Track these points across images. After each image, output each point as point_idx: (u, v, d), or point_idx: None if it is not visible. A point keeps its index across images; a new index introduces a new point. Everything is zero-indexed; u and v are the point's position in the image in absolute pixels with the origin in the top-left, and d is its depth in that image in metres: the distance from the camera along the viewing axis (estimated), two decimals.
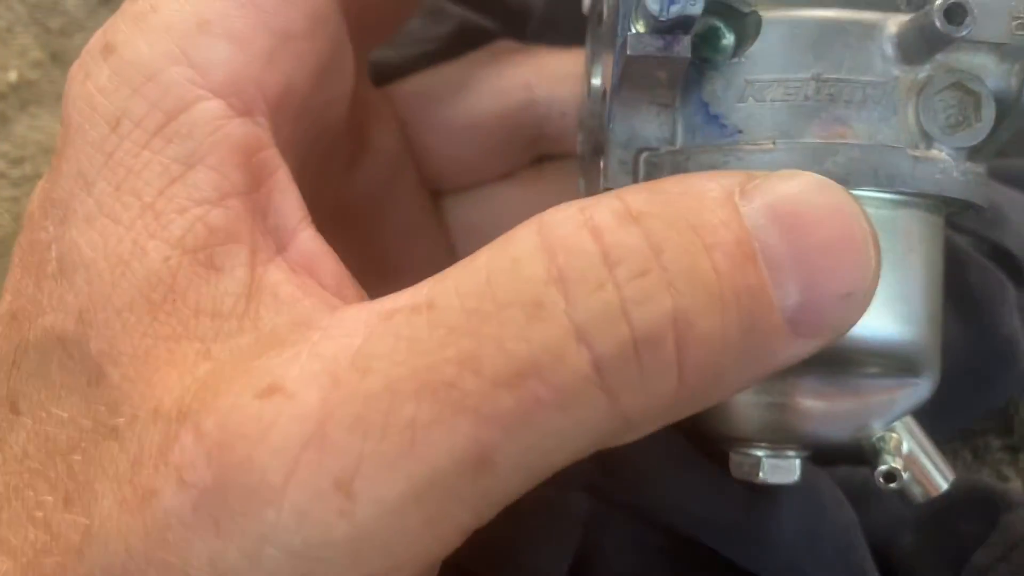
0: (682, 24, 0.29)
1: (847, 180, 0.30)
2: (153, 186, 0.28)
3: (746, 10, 0.32)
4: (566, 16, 0.58)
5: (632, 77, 0.31)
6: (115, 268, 0.28)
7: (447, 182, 0.45)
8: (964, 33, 0.29)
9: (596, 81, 0.38)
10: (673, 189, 0.27)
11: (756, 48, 0.31)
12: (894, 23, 0.31)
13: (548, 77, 0.44)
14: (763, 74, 0.31)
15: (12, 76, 0.76)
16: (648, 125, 0.32)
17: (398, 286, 0.28)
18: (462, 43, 0.50)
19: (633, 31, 0.30)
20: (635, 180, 0.32)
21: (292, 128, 0.32)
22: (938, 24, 0.29)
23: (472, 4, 0.57)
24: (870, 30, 0.31)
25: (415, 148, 0.43)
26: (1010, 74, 0.32)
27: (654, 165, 0.32)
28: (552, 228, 0.26)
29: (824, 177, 0.28)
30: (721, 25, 0.32)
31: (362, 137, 0.40)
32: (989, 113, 0.31)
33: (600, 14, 0.36)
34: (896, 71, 0.31)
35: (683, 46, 0.30)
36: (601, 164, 0.33)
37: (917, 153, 0.31)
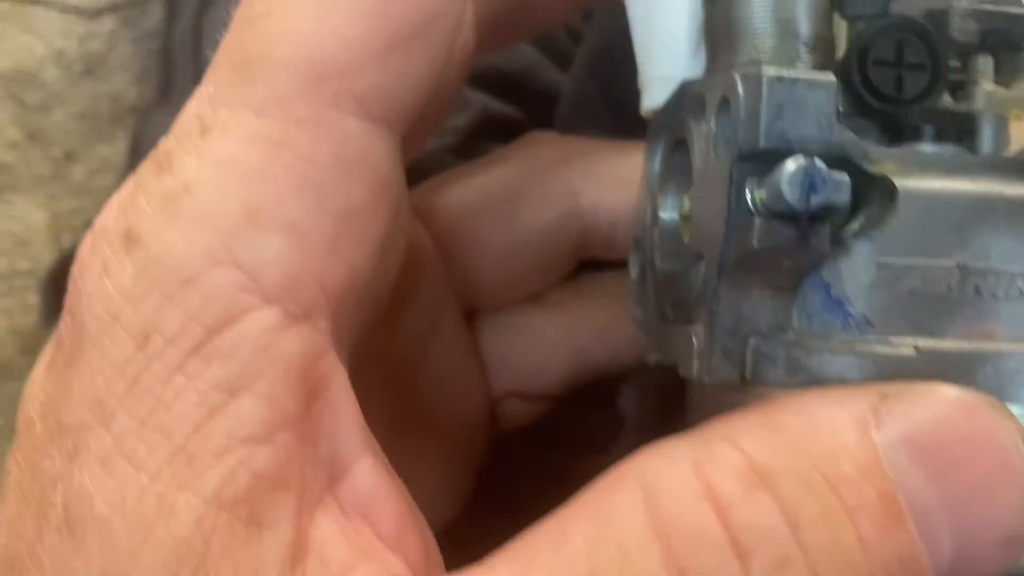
0: (824, 214, 0.25)
1: (1000, 394, 0.26)
2: (187, 421, 0.23)
3: (874, 171, 0.27)
4: (598, 99, 0.54)
5: (749, 264, 0.26)
6: (135, 532, 0.23)
7: (478, 304, 0.40)
8: None
9: (666, 215, 0.33)
10: (797, 426, 0.24)
11: (891, 224, 0.27)
12: None
13: (596, 180, 0.39)
14: (898, 257, 0.27)
15: None
16: (760, 309, 0.27)
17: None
18: (484, 135, 0.46)
19: (752, 209, 0.25)
20: (742, 371, 0.27)
21: (351, 315, 0.27)
22: None
23: (494, 89, 0.52)
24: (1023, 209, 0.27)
25: (450, 271, 0.39)
26: None
27: (765, 357, 0.27)
28: (663, 499, 0.23)
29: (971, 394, 0.24)
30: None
31: (407, 282, 0.35)
32: None
33: (678, 135, 0.32)
34: None
35: (822, 239, 0.25)
36: (695, 342, 0.28)
37: None
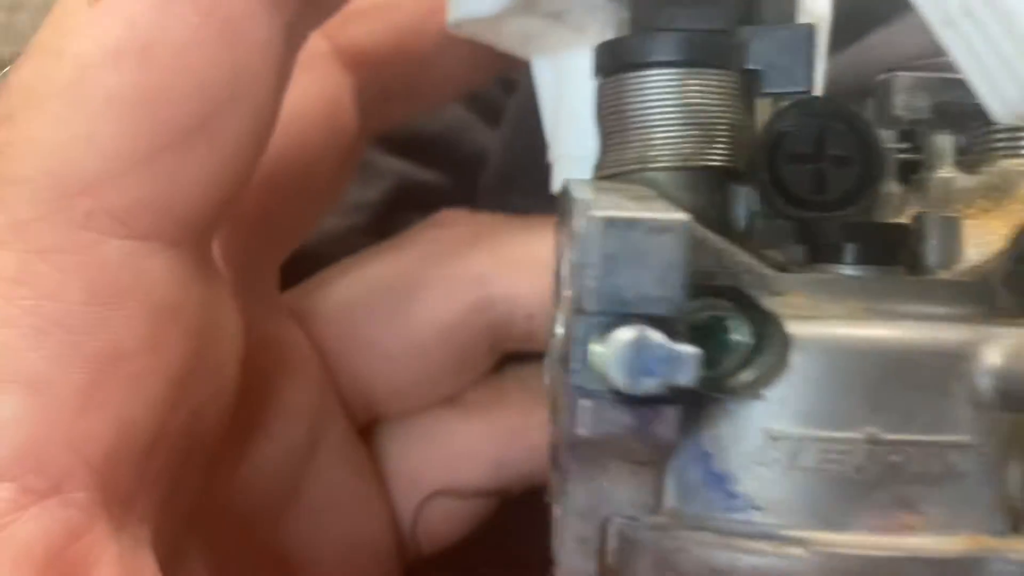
0: (668, 398, 0.20)
1: None
2: None
3: (768, 310, 0.22)
4: (529, 161, 0.49)
5: (585, 456, 0.21)
6: None
7: (379, 411, 0.35)
8: None
9: (559, 330, 0.27)
10: None
11: (783, 383, 0.21)
12: (995, 350, 0.21)
13: (509, 265, 0.34)
14: (791, 425, 0.21)
15: None
16: (621, 486, 0.22)
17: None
18: (402, 207, 0.41)
19: (582, 383, 0.20)
20: (602, 560, 0.22)
21: (139, 472, 0.23)
22: None
23: (413, 154, 0.47)
24: (955, 364, 0.21)
25: (338, 379, 0.34)
26: None
27: (631, 544, 0.22)
28: None
29: None
30: (732, 318, 0.22)
31: (264, 406, 0.30)
32: None
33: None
34: (992, 420, 0.21)
35: (667, 425, 0.20)
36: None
37: (1016, 555, 0.21)
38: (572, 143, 0.31)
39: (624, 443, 0.21)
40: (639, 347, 0.19)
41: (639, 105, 0.25)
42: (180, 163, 0.22)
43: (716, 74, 0.25)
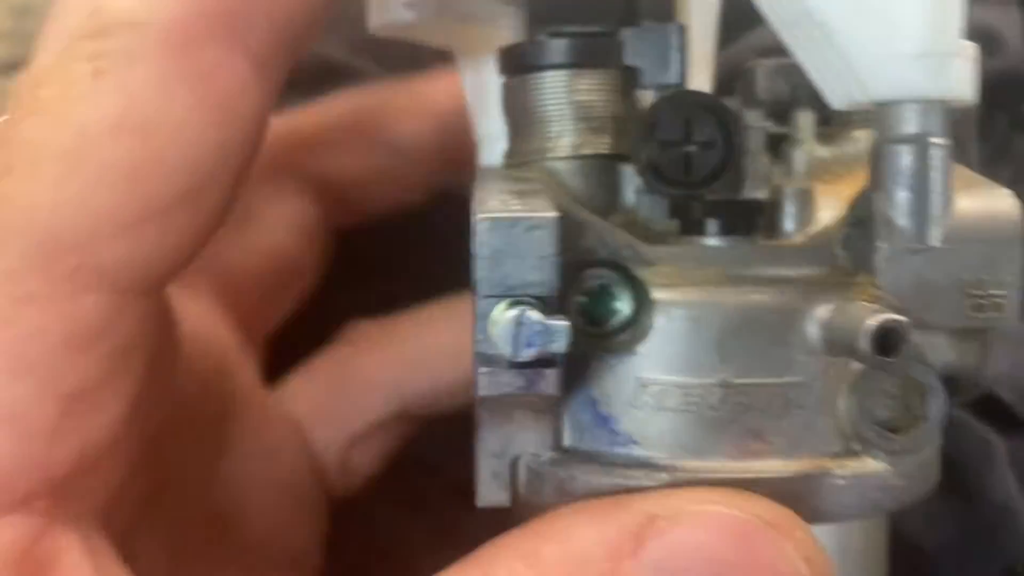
0: (547, 361, 0.24)
1: None
2: None
3: (639, 278, 0.26)
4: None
5: (492, 407, 0.25)
6: None
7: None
8: (898, 363, 0.24)
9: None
10: (552, 556, 0.24)
11: (651, 340, 0.26)
12: (824, 308, 0.26)
13: (422, 365, 0.39)
14: (658, 374, 0.26)
15: None
16: (526, 431, 0.27)
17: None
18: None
19: (483, 350, 0.25)
20: (514, 492, 0.27)
21: (100, 483, 0.26)
22: (867, 353, 0.24)
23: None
24: (790, 319, 0.26)
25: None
26: (966, 354, 0.27)
27: (537, 475, 0.27)
28: None
29: (748, 514, 0.24)
30: (615, 287, 0.27)
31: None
32: (939, 409, 0.26)
33: None
34: (822, 363, 0.26)
35: (549, 383, 0.25)
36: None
37: (846, 471, 0.26)
38: (490, 124, 0.34)
39: (518, 399, 0.25)
40: (519, 324, 0.23)
41: (535, 102, 0.29)
42: (165, 229, 0.25)
43: (600, 73, 0.29)
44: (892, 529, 0.30)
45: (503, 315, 0.23)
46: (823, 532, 0.25)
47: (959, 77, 0.25)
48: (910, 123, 0.25)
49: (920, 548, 0.40)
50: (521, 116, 0.30)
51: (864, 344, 0.23)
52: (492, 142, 0.34)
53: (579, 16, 0.29)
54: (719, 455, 0.26)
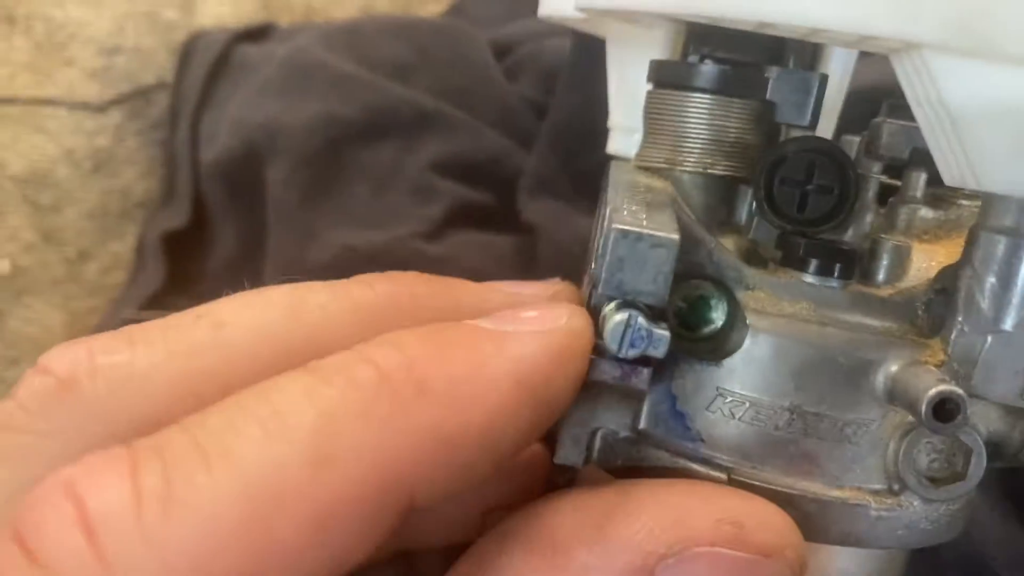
0: (644, 361, 0.28)
1: (803, 532, 0.28)
2: None
3: (737, 299, 0.30)
4: (561, 172, 0.59)
5: (588, 386, 0.29)
6: None
7: None
8: (952, 431, 0.27)
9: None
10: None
11: (737, 357, 0.29)
12: (896, 362, 0.29)
13: None
14: (737, 388, 0.29)
15: (4, 266, 0.75)
16: (610, 411, 0.30)
17: None
18: (456, 222, 0.48)
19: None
20: (588, 457, 0.30)
21: None
22: (925, 417, 0.27)
23: (464, 178, 0.54)
24: (864, 365, 0.29)
25: None
26: (1014, 428, 0.30)
27: (612, 449, 0.30)
28: None
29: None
30: (714, 300, 0.30)
31: None
32: (978, 470, 0.29)
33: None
34: (883, 409, 0.29)
35: (641, 379, 0.28)
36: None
37: (882, 507, 0.29)
38: (626, 117, 0.37)
39: (612, 386, 0.28)
40: (628, 326, 0.27)
41: (675, 118, 0.32)
42: None
43: (740, 103, 0.31)
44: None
45: (615, 315, 0.27)
46: (850, 553, 0.29)
47: None
48: (1010, 217, 0.28)
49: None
50: (660, 125, 0.32)
51: (924, 408, 0.26)
52: (624, 134, 0.38)
53: (733, 45, 0.32)
54: (773, 468, 0.29)
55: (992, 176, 0.27)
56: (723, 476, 0.29)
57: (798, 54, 0.32)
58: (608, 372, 0.28)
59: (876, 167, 0.34)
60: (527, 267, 0.61)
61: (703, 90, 0.31)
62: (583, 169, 0.60)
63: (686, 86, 0.32)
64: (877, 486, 0.29)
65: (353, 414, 0.24)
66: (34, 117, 0.74)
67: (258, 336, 0.28)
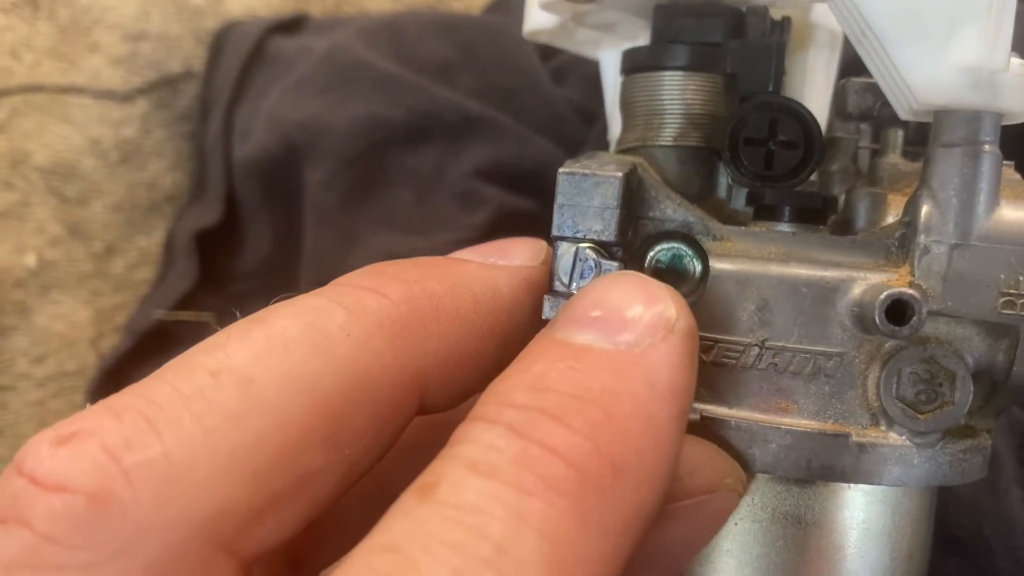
0: None
1: (775, 468, 0.29)
2: None
3: (704, 245, 0.31)
4: None
5: None
6: None
7: None
8: (908, 333, 0.28)
9: None
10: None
11: (703, 301, 0.30)
12: (860, 286, 0.29)
13: None
14: (704, 331, 0.30)
15: (30, 259, 0.73)
16: None
17: None
18: (501, 229, 0.46)
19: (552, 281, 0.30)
20: None
21: None
22: (878, 322, 0.27)
23: (509, 185, 0.54)
24: (830, 293, 0.30)
25: None
26: (997, 349, 0.30)
27: None
28: None
29: None
30: (687, 253, 0.32)
31: None
32: (965, 395, 0.29)
33: None
34: (857, 339, 0.29)
35: None
36: None
37: (864, 439, 0.29)
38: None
39: None
40: (576, 259, 0.29)
41: (645, 98, 0.34)
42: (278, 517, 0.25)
43: (706, 77, 0.33)
44: None
45: (563, 251, 0.29)
46: (875, 502, 0.30)
47: (1010, 92, 0.28)
48: (962, 129, 0.29)
49: None
50: (633, 109, 0.34)
51: (877, 314, 0.27)
52: None
53: (695, 29, 0.34)
54: (747, 407, 0.30)
55: (931, 91, 0.28)
56: (695, 419, 0.30)
57: (756, 27, 0.34)
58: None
59: (850, 128, 0.35)
60: None
61: (666, 68, 0.33)
62: None
63: (651, 67, 0.34)
64: (862, 421, 0.30)
65: (573, 527, 0.22)
66: (60, 106, 0.72)
67: (293, 387, 0.25)
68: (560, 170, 0.29)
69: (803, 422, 0.29)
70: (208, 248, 0.75)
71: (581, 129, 0.65)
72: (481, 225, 0.58)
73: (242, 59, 0.78)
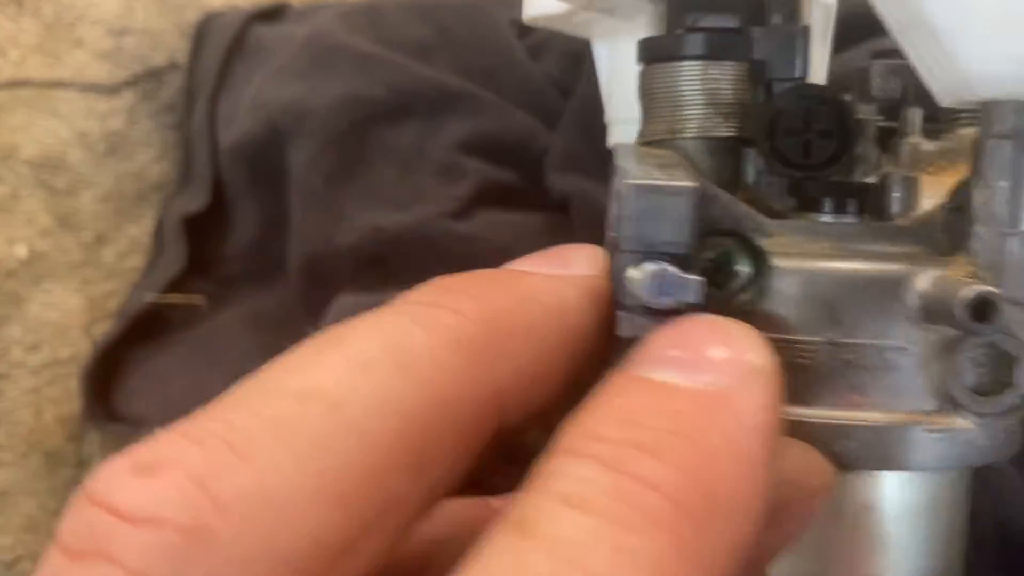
0: (680, 309, 0.27)
1: (858, 463, 0.28)
2: None
3: (760, 247, 0.29)
4: (586, 151, 0.57)
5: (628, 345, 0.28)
6: None
7: None
8: (992, 331, 0.26)
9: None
10: None
11: (768, 302, 0.29)
12: (924, 279, 0.28)
13: None
14: (773, 332, 0.28)
15: (21, 250, 0.72)
16: None
17: None
18: (483, 201, 0.46)
19: (621, 299, 0.27)
20: None
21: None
22: (964, 320, 0.26)
23: (492, 157, 0.53)
24: (893, 288, 0.28)
25: None
26: None
27: None
28: None
29: None
30: (737, 254, 0.29)
31: None
32: (1023, 375, 0.28)
33: None
34: (921, 330, 0.28)
35: None
36: None
37: (936, 427, 0.28)
38: (622, 109, 0.36)
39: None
40: (659, 276, 0.26)
41: (670, 88, 0.31)
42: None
43: (730, 65, 0.31)
44: None
45: (644, 268, 0.26)
46: (915, 483, 0.28)
47: None
48: (1012, 119, 0.27)
49: None
50: (656, 100, 0.32)
51: (960, 312, 0.25)
52: (622, 126, 0.37)
53: (713, 14, 0.31)
54: (822, 405, 0.28)
55: (985, 82, 0.27)
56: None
57: (779, 11, 0.32)
58: (644, 326, 0.27)
59: (871, 110, 0.33)
60: (559, 243, 0.60)
61: (692, 57, 0.31)
62: (610, 149, 0.59)
63: (676, 56, 0.31)
64: (929, 408, 0.28)
65: (672, 559, 0.21)
66: (46, 100, 0.72)
67: (379, 410, 0.23)
68: (627, 181, 0.27)
69: (877, 416, 0.28)
70: (197, 233, 0.74)
71: (559, 103, 0.63)
72: (464, 196, 0.56)
73: (224, 49, 0.76)
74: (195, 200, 0.75)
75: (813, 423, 0.28)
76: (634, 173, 0.27)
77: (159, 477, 0.21)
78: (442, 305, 0.25)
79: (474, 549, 0.21)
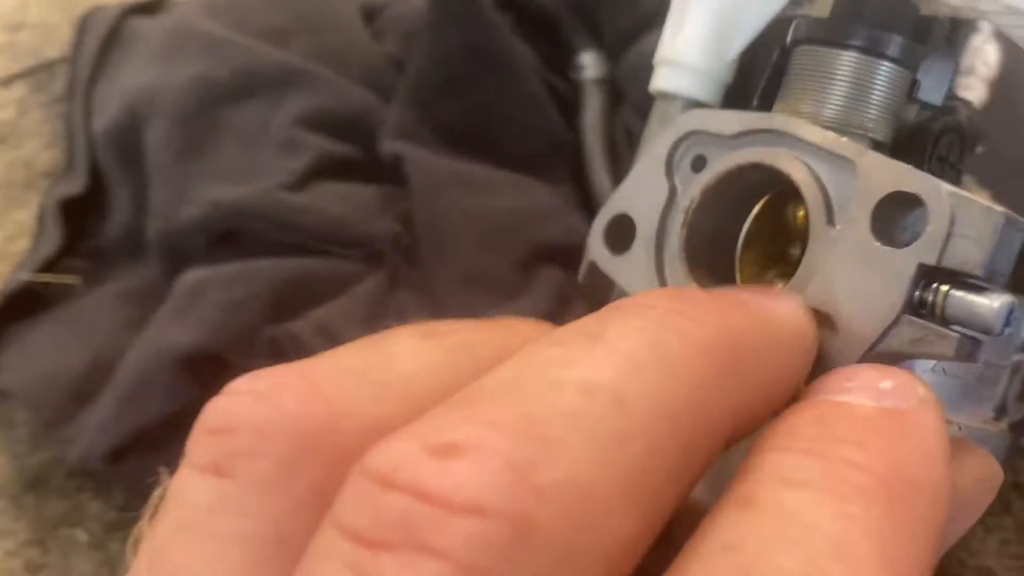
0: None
1: None
2: None
3: None
4: (421, 123, 0.46)
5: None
6: None
7: None
8: None
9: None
10: None
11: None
12: None
13: None
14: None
15: None
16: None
17: None
18: (321, 175, 0.38)
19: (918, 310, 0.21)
20: None
21: None
22: None
23: (330, 131, 0.44)
24: None
25: None
26: None
27: None
28: None
29: None
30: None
31: None
32: None
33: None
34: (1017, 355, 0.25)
35: (975, 354, 0.21)
36: None
37: (997, 430, 0.23)
38: (679, 52, 0.25)
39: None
40: (1014, 308, 0.20)
41: (828, 73, 0.23)
42: None
43: (896, 69, 0.24)
44: None
45: (998, 296, 0.20)
46: None
47: None
48: None
49: None
50: (804, 81, 0.24)
51: None
52: (669, 69, 0.26)
53: (882, 19, 0.23)
54: (967, 416, 0.23)
55: None
56: (955, 429, 0.25)
57: (939, 34, 0.26)
58: (974, 352, 0.21)
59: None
60: (393, 211, 0.51)
61: (892, 59, 0.23)
62: (441, 119, 0.49)
63: (878, 53, 0.23)
64: (992, 414, 0.25)
65: (891, 532, 0.17)
66: None
67: (656, 411, 0.16)
68: (1002, 210, 0.20)
69: (991, 425, 0.25)
70: (79, 218, 0.62)
71: (393, 76, 0.53)
72: (300, 170, 0.45)
73: (100, 40, 0.64)
74: (74, 184, 0.64)
75: (971, 428, 0.25)
76: (988, 202, 0.21)
77: (472, 460, 0.14)
78: (682, 312, 0.19)
79: (698, 529, 0.18)
